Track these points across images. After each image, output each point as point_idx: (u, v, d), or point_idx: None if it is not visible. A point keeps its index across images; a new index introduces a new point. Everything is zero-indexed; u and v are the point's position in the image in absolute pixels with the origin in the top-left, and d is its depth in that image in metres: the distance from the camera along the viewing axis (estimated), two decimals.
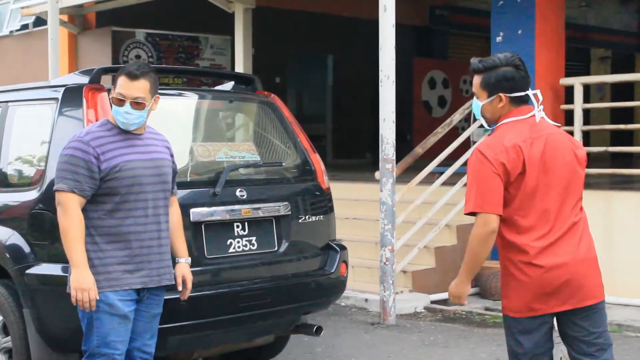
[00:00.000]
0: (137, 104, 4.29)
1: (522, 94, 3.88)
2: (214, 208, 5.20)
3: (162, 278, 4.46)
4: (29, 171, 5.42)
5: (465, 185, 4.02)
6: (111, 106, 4.40)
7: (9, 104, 5.60)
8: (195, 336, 5.19)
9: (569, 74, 10.00)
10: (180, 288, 4.58)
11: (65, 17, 14.59)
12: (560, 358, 4.16)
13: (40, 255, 4.93)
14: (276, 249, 5.50)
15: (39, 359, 4.99)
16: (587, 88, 9.45)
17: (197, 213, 5.09)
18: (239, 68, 12.31)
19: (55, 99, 5.20)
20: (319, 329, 5.78)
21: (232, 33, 12.69)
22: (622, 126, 9.93)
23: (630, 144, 16.17)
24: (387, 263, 7.99)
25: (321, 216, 5.81)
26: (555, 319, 3.93)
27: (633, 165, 10.77)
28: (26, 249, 4.98)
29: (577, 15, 19.32)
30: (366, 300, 8.68)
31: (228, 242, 5.28)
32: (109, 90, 5.03)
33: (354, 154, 18.03)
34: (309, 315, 5.99)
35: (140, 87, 4.30)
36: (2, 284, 5.15)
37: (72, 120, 5.08)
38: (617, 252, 8.58)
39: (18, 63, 16.76)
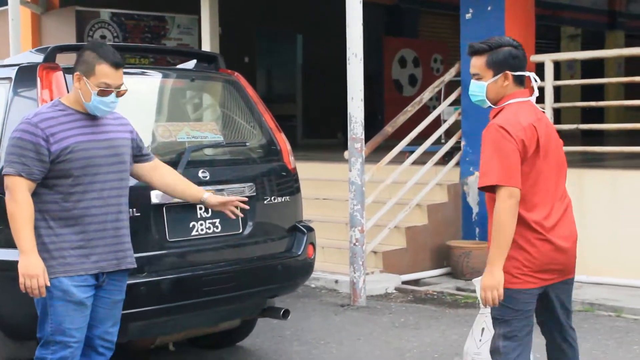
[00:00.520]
0: (120, 92, 4.21)
1: (524, 73, 3.99)
2: None
3: (121, 262, 4.30)
4: None
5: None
6: (88, 94, 4.14)
7: None
8: (158, 322, 5.04)
9: (539, 52, 9.89)
10: (227, 210, 4.63)
11: None
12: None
13: None
14: (241, 231, 5.34)
15: None
16: (557, 66, 9.34)
17: (158, 195, 4.91)
18: (206, 47, 12.11)
19: (9, 78, 4.99)
20: (286, 313, 5.65)
21: (199, 12, 12.47)
22: (593, 103, 9.82)
23: (601, 122, 16.13)
24: (356, 244, 7.87)
25: (287, 197, 5.66)
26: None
27: (604, 143, 10.72)
28: None
29: None
30: (336, 281, 8.56)
31: (190, 225, 5.12)
32: (65, 70, 4.85)
33: (325, 134, 17.87)
34: (277, 298, 5.86)
35: (121, 75, 4.21)
36: None
37: (26, 100, 4.88)
38: (589, 230, 8.49)
39: None
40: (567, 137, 12.93)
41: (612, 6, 22.18)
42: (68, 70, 4.73)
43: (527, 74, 4.02)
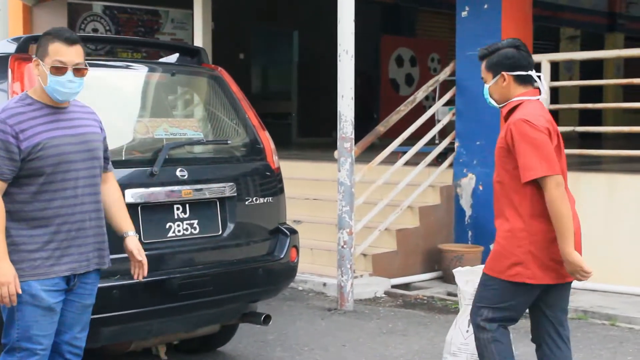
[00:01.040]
0: (79, 71, 3.92)
1: (525, 73, 4.11)
2: (151, 189, 4.83)
3: (94, 263, 4.08)
4: None
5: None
6: (45, 77, 3.92)
7: None
8: (132, 327, 4.84)
9: (537, 53, 9.67)
10: (135, 261, 4.21)
11: None
12: None
13: None
14: (220, 232, 5.14)
15: None
16: (555, 68, 9.15)
17: (133, 194, 4.71)
18: (198, 43, 11.90)
19: None
20: (267, 318, 5.44)
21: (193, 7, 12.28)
22: (590, 105, 9.62)
23: (599, 125, 15.92)
24: (344, 246, 7.66)
25: (270, 198, 5.44)
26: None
27: (601, 146, 10.52)
28: None
29: None
30: (324, 284, 8.35)
31: (167, 226, 4.91)
32: None
33: (320, 133, 17.65)
34: (261, 302, 5.66)
35: (79, 52, 3.94)
36: None
37: None
38: (584, 235, 8.27)
39: None
40: (564, 140, 12.82)
41: (612, 8, 21.98)
42: None
43: (525, 73, 4.10)
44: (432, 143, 9.58)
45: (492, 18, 9.01)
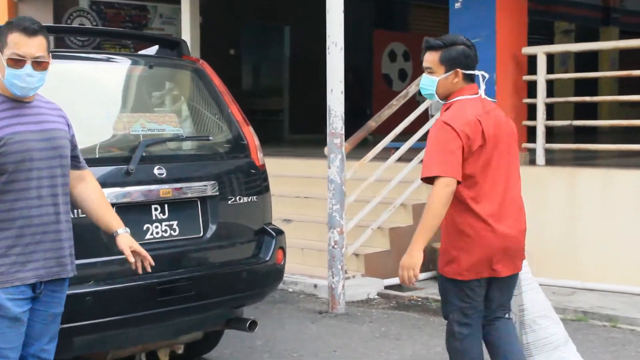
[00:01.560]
0: (39, 64, 3.63)
1: (474, 72, 4.21)
2: (127, 188, 4.55)
3: (62, 270, 3.79)
4: None
5: (422, 161, 4.18)
6: (2, 70, 3.65)
7: None
8: (107, 335, 4.54)
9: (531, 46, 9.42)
10: (132, 260, 3.95)
11: None
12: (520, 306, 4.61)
13: None
14: (202, 234, 4.85)
15: None
16: (550, 63, 8.88)
17: (108, 194, 4.38)
18: (186, 37, 11.61)
19: None
20: (253, 324, 5.17)
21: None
22: (587, 98, 9.35)
23: (595, 119, 15.66)
24: (335, 246, 7.38)
25: (254, 197, 5.15)
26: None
27: (597, 141, 10.26)
28: None
29: None
30: (315, 286, 8.07)
31: (144, 228, 4.62)
32: None
33: (312, 129, 17.36)
34: (248, 306, 5.38)
35: (40, 45, 3.63)
36: None
37: None
38: (581, 232, 8.07)
39: None
40: (559, 135, 12.57)
41: (607, 2, 21.74)
42: None
43: (477, 72, 4.21)
44: (425, 138, 9.29)
45: (486, 9, 8.78)
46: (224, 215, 4.95)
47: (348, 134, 7.70)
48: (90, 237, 4.30)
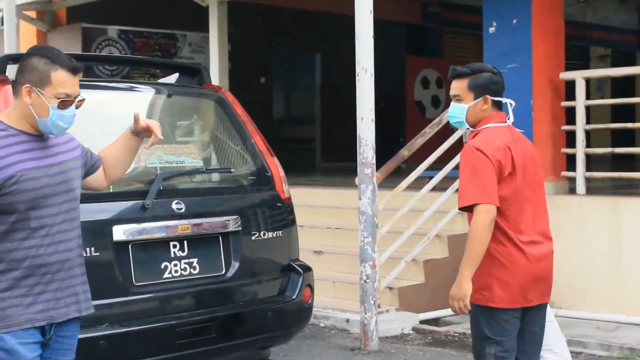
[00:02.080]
0: (79, 103, 3.48)
1: (503, 99, 4.21)
2: (143, 225, 4.34)
3: (75, 309, 3.53)
4: None
5: (457, 190, 4.14)
6: (44, 108, 3.40)
7: None
8: None
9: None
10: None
11: (33, 14, 13.85)
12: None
13: None
14: (224, 272, 4.63)
15: None
16: (587, 89, 8.57)
17: (122, 231, 4.19)
18: (214, 66, 11.47)
19: None
20: None
21: None
22: (629, 125, 9.04)
23: (632, 145, 15.28)
24: (367, 281, 7.08)
25: (280, 232, 4.91)
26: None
27: (635, 168, 9.91)
28: None
29: (576, 13, 18.52)
30: (347, 320, 7.77)
31: (162, 266, 4.40)
32: (12, 83, 4.11)
33: (345, 158, 17.16)
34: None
35: (78, 82, 3.47)
36: None
37: None
38: (626, 263, 7.72)
39: None
40: (596, 162, 12.20)
41: None
42: None
43: (505, 100, 4.20)
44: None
45: (522, 34, 8.51)
46: (248, 252, 4.72)
47: (380, 162, 7.44)
48: (103, 277, 4.06)
